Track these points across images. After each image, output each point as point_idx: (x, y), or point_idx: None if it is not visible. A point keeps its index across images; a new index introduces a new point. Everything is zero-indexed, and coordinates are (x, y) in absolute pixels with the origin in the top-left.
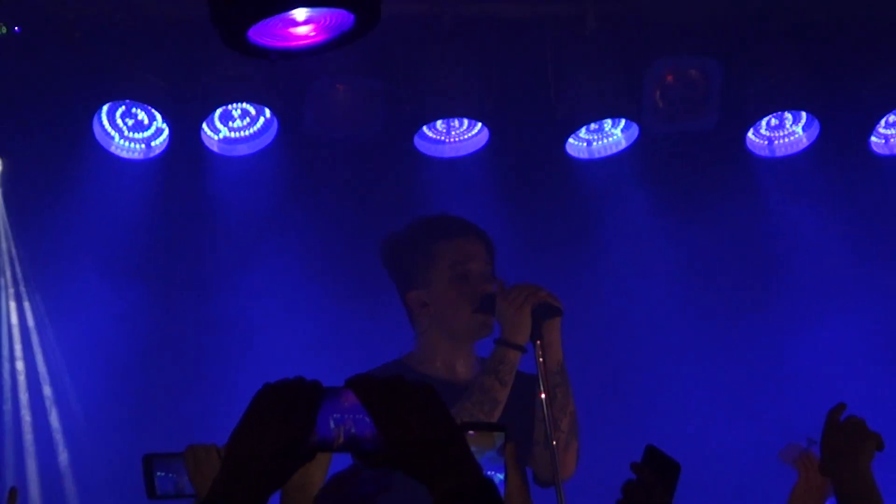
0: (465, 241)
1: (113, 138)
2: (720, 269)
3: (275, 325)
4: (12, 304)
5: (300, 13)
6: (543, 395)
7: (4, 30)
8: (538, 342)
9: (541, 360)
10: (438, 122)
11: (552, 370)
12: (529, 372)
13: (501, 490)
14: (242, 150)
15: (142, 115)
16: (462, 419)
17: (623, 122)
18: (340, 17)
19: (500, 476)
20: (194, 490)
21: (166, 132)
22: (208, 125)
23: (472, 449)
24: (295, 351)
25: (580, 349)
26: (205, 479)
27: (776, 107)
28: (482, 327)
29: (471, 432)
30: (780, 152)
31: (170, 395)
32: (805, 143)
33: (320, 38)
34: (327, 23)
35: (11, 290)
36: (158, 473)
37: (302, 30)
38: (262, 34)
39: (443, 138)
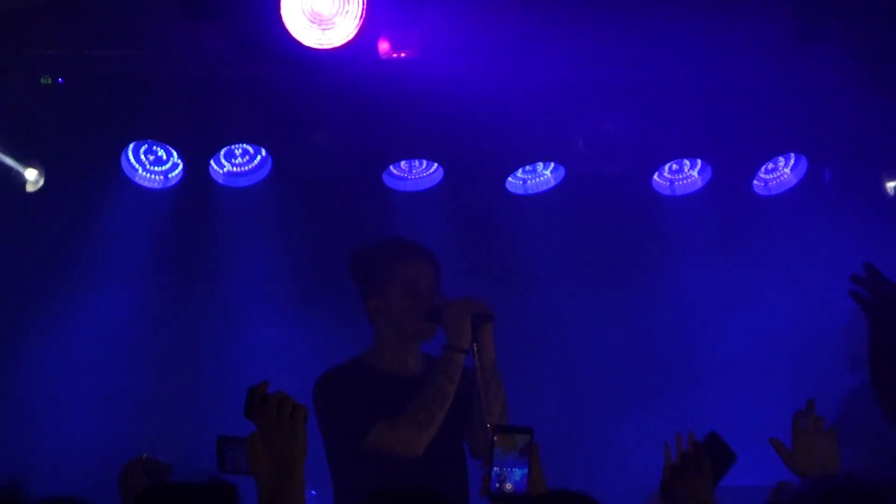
0: (417, 261)
1: (137, 170)
2: (623, 280)
3: (259, 325)
4: None
5: None
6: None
7: (49, 80)
8: (475, 345)
9: (477, 359)
10: (402, 162)
11: (486, 366)
12: (469, 366)
13: (525, 483)
14: (242, 182)
15: (161, 152)
16: (417, 412)
17: (552, 164)
18: None
19: (525, 471)
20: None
21: (181, 166)
22: (215, 161)
23: (498, 451)
24: (279, 348)
25: (511, 346)
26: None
27: (676, 154)
28: (427, 333)
29: (495, 437)
30: (679, 192)
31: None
32: (700, 184)
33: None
34: None
35: None
36: (228, 452)
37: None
38: None
39: (406, 175)
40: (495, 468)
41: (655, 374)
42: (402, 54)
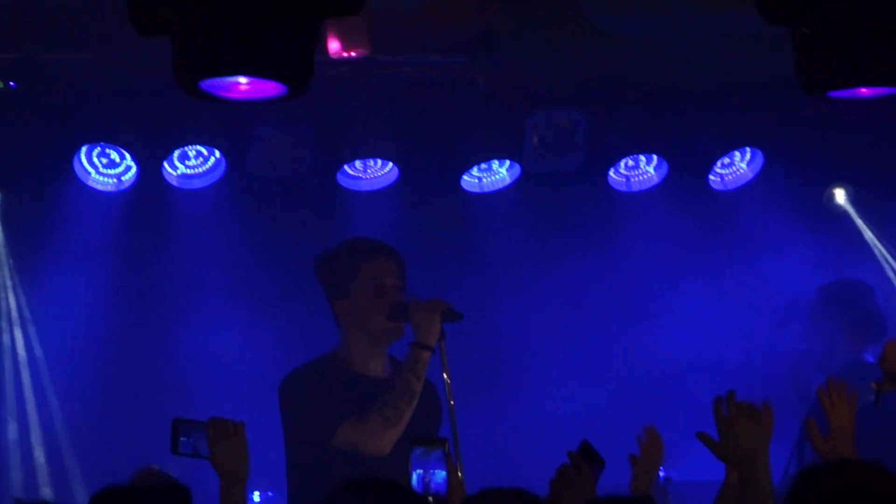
0: (382, 260)
1: (90, 173)
2: (581, 278)
3: (216, 326)
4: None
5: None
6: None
7: (2, 84)
8: (442, 343)
9: (444, 357)
10: (357, 162)
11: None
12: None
13: (445, 486)
14: (196, 184)
15: (114, 155)
16: (385, 409)
17: (507, 162)
18: (276, 86)
19: (444, 474)
20: (210, 453)
21: (134, 169)
22: (168, 163)
23: (418, 451)
24: (240, 348)
25: (470, 343)
26: (222, 447)
27: (632, 150)
28: (395, 331)
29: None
30: (636, 188)
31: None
32: (656, 180)
33: (257, 96)
34: (264, 87)
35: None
36: (182, 438)
37: (243, 86)
38: (211, 85)
39: (361, 175)
40: (419, 470)
41: (612, 367)
42: (353, 53)
